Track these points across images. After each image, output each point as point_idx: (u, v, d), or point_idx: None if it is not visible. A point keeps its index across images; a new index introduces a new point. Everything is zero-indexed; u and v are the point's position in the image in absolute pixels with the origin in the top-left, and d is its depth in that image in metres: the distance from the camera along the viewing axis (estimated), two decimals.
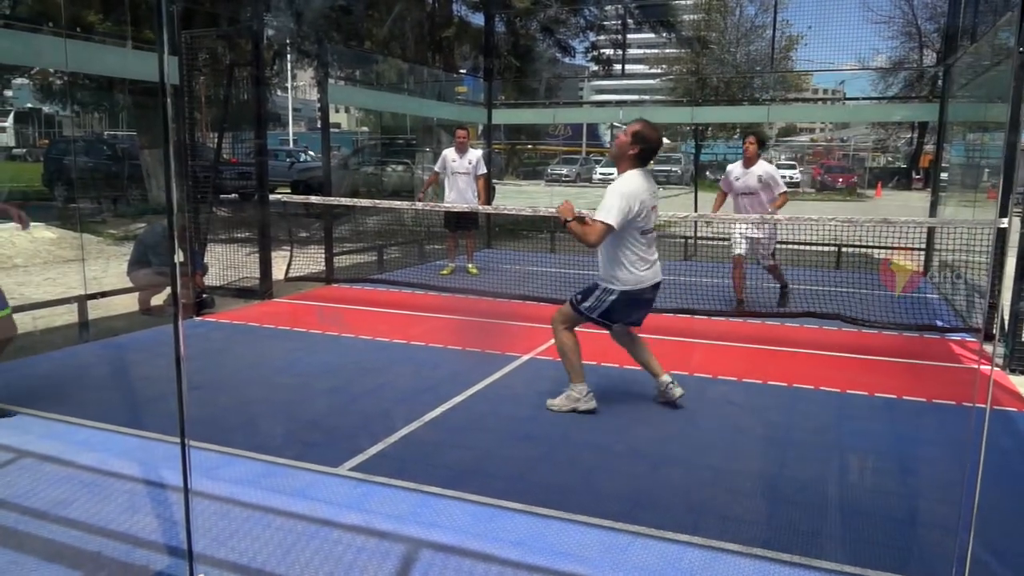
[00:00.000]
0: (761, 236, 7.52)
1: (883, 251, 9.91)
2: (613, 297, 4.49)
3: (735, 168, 7.74)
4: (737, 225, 7.62)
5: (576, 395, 4.60)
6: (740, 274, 7.66)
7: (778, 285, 7.87)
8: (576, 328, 4.68)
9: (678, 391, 4.65)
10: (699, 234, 11.81)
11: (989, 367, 5.08)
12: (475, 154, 9.46)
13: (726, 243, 10.81)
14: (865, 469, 3.94)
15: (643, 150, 4.39)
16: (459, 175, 9.31)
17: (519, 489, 3.52)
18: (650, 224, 4.45)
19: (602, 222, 4.25)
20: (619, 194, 4.28)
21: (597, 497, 3.45)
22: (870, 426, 4.49)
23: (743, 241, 7.58)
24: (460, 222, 9.68)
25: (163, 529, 3.10)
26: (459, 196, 9.31)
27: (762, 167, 7.55)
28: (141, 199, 16.92)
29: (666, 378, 4.69)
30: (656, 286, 4.62)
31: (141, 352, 5.84)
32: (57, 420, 4.31)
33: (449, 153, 9.45)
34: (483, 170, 9.50)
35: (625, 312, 4.59)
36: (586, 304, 4.55)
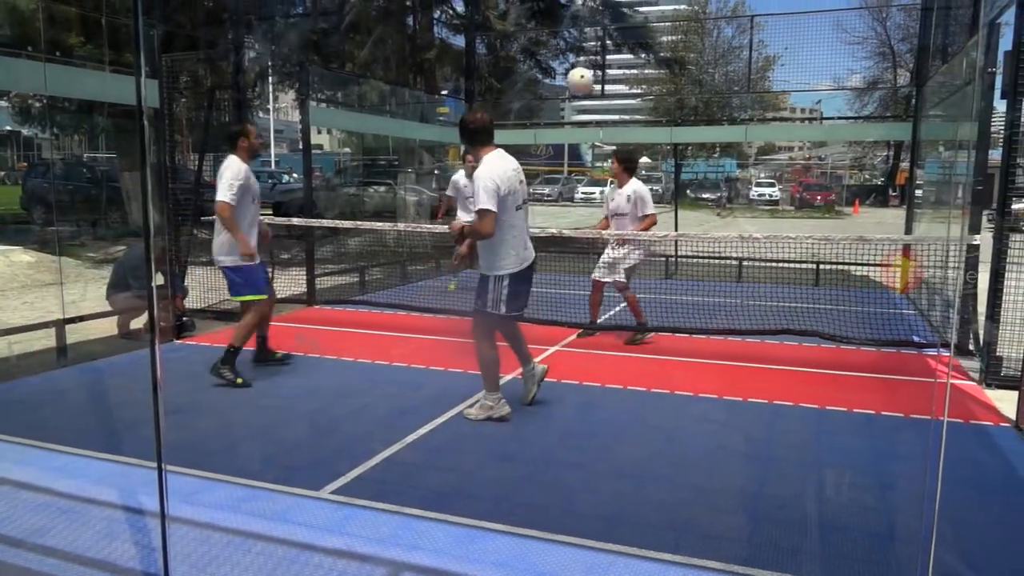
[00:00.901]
0: (617, 256, 7.03)
1: (861, 268, 10.03)
2: (506, 282, 4.65)
3: (608, 190, 7.30)
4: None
5: (490, 403, 4.79)
6: (597, 299, 7.25)
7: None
8: (495, 338, 4.84)
9: (538, 369, 5.07)
10: (680, 252, 11.88)
11: (946, 378, 5.15)
12: None
13: (706, 261, 10.92)
14: (844, 485, 3.97)
15: (465, 132, 4.70)
16: (470, 199, 9.33)
17: (501, 510, 3.51)
18: (519, 200, 4.67)
19: (483, 210, 4.46)
20: (484, 178, 4.49)
21: (579, 517, 3.46)
22: (849, 442, 4.53)
23: (602, 264, 7.19)
24: None
25: (141, 556, 3.07)
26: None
27: (631, 187, 7.01)
28: (120, 222, 16.82)
29: (534, 362, 5.06)
30: (532, 266, 4.83)
31: (120, 376, 5.79)
32: (34, 446, 4.26)
33: (459, 178, 9.47)
34: None
35: (518, 296, 4.74)
36: (489, 302, 4.68)
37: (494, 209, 4.45)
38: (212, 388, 5.50)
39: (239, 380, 5.50)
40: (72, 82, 7.22)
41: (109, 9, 11.31)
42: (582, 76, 6.81)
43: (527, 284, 4.83)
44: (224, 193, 5.45)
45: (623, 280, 7.03)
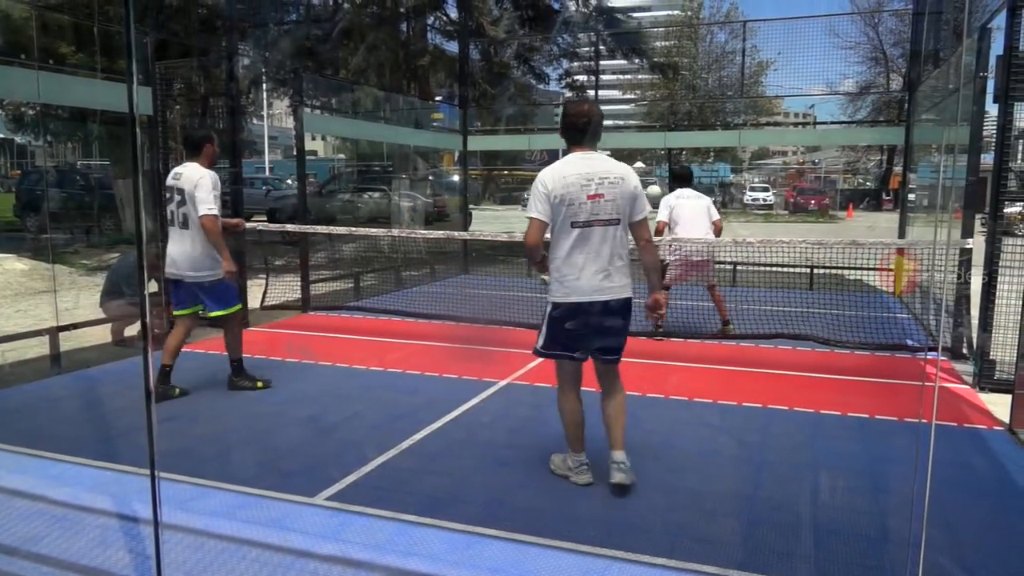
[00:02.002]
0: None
1: (854, 272, 10.06)
2: (550, 313, 3.78)
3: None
4: None
5: (571, 464, 3.93)
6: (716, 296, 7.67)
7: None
8: (575, 383, 3.93)
9: (619, 476, 3.73)
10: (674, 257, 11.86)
11: (935, 380, 5.17)
12: None
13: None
14: (838, 489, 3.98)
15: (567, 127, 3.77)
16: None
17: (496, 515, 3.51)
18: (582, 216, 3.63)
19: (528, 218, 3.70)
20: (537, 181, 3.72)
21: (574, 522, 3.46)
22: (843, 446, 4.54)
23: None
24: None
25: (135, 564, 3.06)
26: None
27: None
28: (114, 229, 16.79)
29: (618, 456, 3.79)
30: (610, 307, 3.73)
31: (113, 384, 5.78)
32: (28, 454, 4.24)
33: None
34: None
35: (571, 336, 3.76)
36: (539, 332, 3.89)
37: (536, 216, 3.66)
38: (205, 395, 5.49)
39: (259, 384, 5.59)
40: (65, 90, 7.22)
41: (102, 17, 11.29)
42: None
43: (582, 325, 3.73)
44: (211, 205, 5.18)
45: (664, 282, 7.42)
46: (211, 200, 5.17)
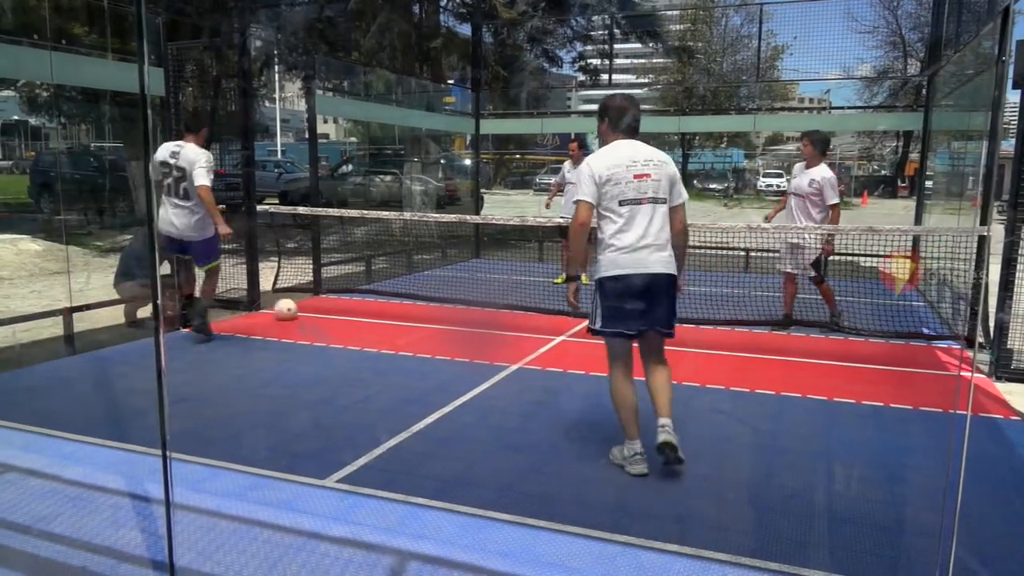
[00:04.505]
0: (800, 244, 7.03)
1: (869, 259, 9.97)
2: (599, 291, 3.91)
3: (797, 167, 7.25)
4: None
5: (626, 452, 3.91)
6: (791, 291, 7.25)
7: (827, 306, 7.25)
8: (629, 365, 3.98)
9: (665, 436, 3.81)
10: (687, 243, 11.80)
11: (970, 373, 5.11)
12: None
13: (713, 251, 10.86)
14: (852, 477, 3.95)
15: (609, 120, 4.00)
16: (571, 185, 9.50)
17: (507, 500, 3.51)
18: (629, 195, 3.82)
19: (576, 201, 3.92)
20: (585, 164, 3.95)
21: (586, 507, 3.45)
22: (858, 434, 4.50)
23: (786, 254, 7.18)
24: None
25: (148, 544, 3.07)
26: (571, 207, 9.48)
27: (819, 172, 6.87)
28: (128, 211, 16.85)
29: (664, 420, 3.88)
30: (660, 281, 3.86)
31: (127, 365, 5.80)
32: (41, 434, 4.27)
33: (566, 165, 9.95)
34: None
35: (620, 311, 3.85)
36: (590, 315, 3.99)
37: (584, 199, 3.84)
38: (218, 377, 5.51)
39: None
40: (78, 70, 7.20)
41: None
42: (289, 309, 7.46)
43: (633, 298, 3.84)
44: (207, 177, 6.19)
45: (816, 274, 7.02)
46: (208, 172, 6.28)
